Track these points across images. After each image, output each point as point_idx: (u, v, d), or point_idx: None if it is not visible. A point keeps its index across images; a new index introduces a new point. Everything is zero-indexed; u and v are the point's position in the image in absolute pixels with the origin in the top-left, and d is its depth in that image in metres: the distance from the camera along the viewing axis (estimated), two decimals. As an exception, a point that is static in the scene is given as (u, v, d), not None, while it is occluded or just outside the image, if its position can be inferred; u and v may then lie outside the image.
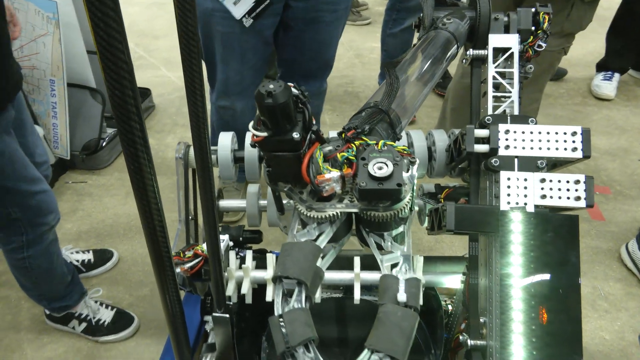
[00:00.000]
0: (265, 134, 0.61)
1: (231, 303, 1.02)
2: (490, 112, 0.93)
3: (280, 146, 0.63)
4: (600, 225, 2.04)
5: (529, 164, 0.83)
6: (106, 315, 1.62)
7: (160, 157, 2.42)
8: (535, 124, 0.86)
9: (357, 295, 0.89)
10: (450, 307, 1.15)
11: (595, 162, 2.37)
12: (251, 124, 0.62)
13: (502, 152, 0.84)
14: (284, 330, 0.52)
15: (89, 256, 1.83)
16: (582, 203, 0.80)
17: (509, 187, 0.81)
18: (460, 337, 0.84)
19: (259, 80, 1.77)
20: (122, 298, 1.75)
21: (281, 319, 0.53)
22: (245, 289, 0.98)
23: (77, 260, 1.80)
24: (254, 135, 0.62)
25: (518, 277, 0.77)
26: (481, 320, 0.83)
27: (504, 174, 0.82)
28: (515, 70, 0.94)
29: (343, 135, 0.66)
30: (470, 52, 1.01)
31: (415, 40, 1.11)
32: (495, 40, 0.97)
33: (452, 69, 2.13)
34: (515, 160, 0.83)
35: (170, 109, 2.77)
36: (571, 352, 0.74)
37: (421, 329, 1.10)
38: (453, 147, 0.96)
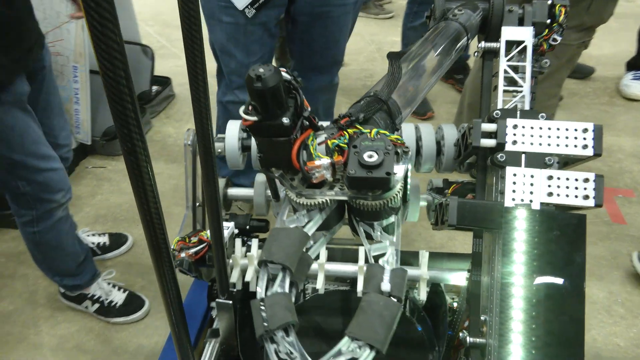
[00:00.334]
0: (254, 118, 0.62)
1: (235, 290, 1.03)
2: (500, 106, 0.91)
3: (270, 131, 0.63)
4: (620, 228, 1.98)
5: (536, 160, 0.80)
6: (118, 297, 1.66)
7: (178, 145, 2.45)
8: (546, 119, 0.83)
9: (360, 287, 0.89)
10: (455, 304, 1.13)
11: (620, 164, 2.30)
12: (242, 108, 0.62)
13: (509, 147, 0.82)
14: (264, 314, 0.52)
15: (105, 239, 1.88)
16: (590, 202, 0.78)
17: (514, 183, 0.79)
18: (461, 335, 0.83)
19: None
20: (135, 281, 1.79)
21: (262, 303, 0.53)
22: (250, 276, 0.99)
23: (93, 243, 1.85)
24: (244, 119, 0.62)
25: (520, 275, 0.75)
26: (482, 318, 0.81)
27: (509, 170, 0.80)
28: (528, 64, 0.92)
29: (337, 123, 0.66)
30: (482, 44, 0.98)
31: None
32: (508, 32, 0.94)
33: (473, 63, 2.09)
34: (523, 156, 0.81)
35: (190, 98, 2.79)
36: (572, 353, 0.72)
37: (426, 324, 1.09)
38: (461, 141, 0.95)
